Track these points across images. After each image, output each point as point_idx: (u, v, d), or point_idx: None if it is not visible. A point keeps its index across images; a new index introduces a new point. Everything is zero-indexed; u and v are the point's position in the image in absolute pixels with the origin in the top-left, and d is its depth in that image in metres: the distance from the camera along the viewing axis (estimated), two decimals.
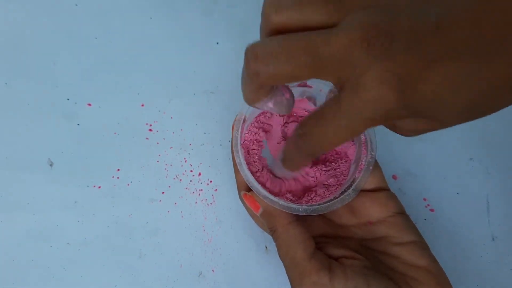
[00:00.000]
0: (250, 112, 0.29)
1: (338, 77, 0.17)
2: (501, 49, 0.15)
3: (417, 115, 0.18)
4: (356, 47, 0.16)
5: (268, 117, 0.31)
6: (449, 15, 0.15)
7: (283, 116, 0.31)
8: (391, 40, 0.16)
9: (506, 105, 0.17)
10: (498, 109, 0.17)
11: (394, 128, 0.20)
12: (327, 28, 0.17)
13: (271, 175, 0.29)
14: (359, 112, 0.17)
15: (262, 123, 0.31)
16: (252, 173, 0.28)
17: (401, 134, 0.21)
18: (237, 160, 0.27)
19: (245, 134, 0.30)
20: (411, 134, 0.20)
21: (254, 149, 0.29)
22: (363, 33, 0.16)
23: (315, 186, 0.29)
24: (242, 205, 0.31)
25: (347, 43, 0.16)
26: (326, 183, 0.29)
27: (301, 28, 0.18)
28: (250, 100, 0.21)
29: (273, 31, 0.19)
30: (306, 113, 0.31)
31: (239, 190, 0.28)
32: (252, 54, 0.18)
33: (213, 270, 0.32)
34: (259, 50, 0.18)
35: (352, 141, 0.30)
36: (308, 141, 0.20)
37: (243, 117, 0.28)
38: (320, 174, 0.29)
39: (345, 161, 0.30)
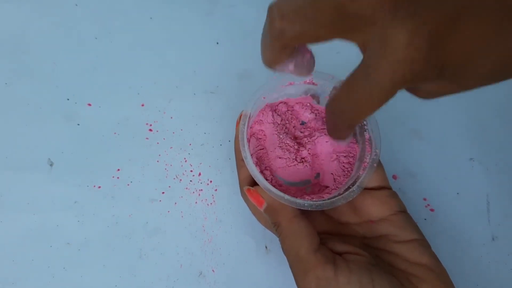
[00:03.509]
0: (254, 109, 0.29)
1: (364, 38, 0.17)
2: None
3: (443, 76, 0.17)
4: (382, 6, 0.16)
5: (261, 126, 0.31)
6: None
7: (276, 125, 0.31)
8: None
9: None
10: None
11: (412, 90, 0.20)
12: None
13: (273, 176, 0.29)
14: (387, 75, 0.16)
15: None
16: None
17: (417, 96, 0.20)
18: (243, 154, 0.26)
19: (249, 129, 0.30)
20: (428, 96, 0.20)
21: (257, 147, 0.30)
22: None
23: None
24: (242, 205, 0.31)
25: (374, 2, 0.16)
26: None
27: None
28: (271, 61, 0.20)
29: None
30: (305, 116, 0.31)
31: (241, 186, 0.28)
32: (277, 11, 0.17)
33: (213, 270, 0.32)
34: (285, 7, 0.17)
35: (356, 141, 0.30)
36: (342, 115, 0.19)
37: (249, 113, 0.28)
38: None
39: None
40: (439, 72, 0.17)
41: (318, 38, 0.18)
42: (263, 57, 0.20)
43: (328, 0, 0.17)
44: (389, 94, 0.17)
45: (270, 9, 0.18)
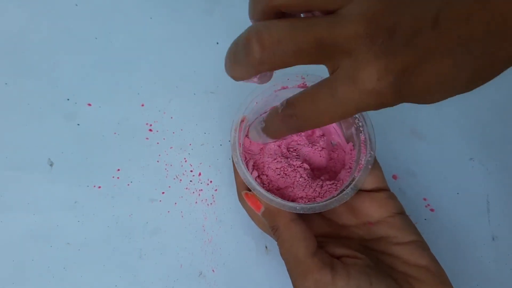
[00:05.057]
0: (248, 112, 0.28)
1: (336, 65, 0.18)
2: (482, 48, 0.16)
3: (404, 101, 0.19)
4: (358, 41, 0.17)
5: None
6: (446, 10, 0.16)
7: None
8: (392, 37, 0.17)
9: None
10: (459, 93, 0.19)
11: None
12: (330, 15, 0.18)
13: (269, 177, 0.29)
14: (354, 101, 0.18)
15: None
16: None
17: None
18: (235, 160, 0.27)
19: (244, 134, 0.29)
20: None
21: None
22: (366, 27, 0.17)
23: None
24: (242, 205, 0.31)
25: (351, 35, 0.17)
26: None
27: (303, 8, 0.18)
28: (239, 78, 0.21)
29: (274, 8, 0.19)
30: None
31: (239, 190, 0.28)
32: (258, 40, 0.18)
33: (213, 270, 0.32)
34: (266, 38, 0.18)
35: (353, 146, 0.30)
36: (298, 120, 0.21)
37: (241, 118, 0.28)
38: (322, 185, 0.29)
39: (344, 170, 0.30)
40: (402, 100, 0.19)
41: (292, 65, 0.19)
42: (232, 72, 0.20)
43: (308, 34, 0.18)
44: (350, 114, 0.19)
45: (250, 35, 0.18)
